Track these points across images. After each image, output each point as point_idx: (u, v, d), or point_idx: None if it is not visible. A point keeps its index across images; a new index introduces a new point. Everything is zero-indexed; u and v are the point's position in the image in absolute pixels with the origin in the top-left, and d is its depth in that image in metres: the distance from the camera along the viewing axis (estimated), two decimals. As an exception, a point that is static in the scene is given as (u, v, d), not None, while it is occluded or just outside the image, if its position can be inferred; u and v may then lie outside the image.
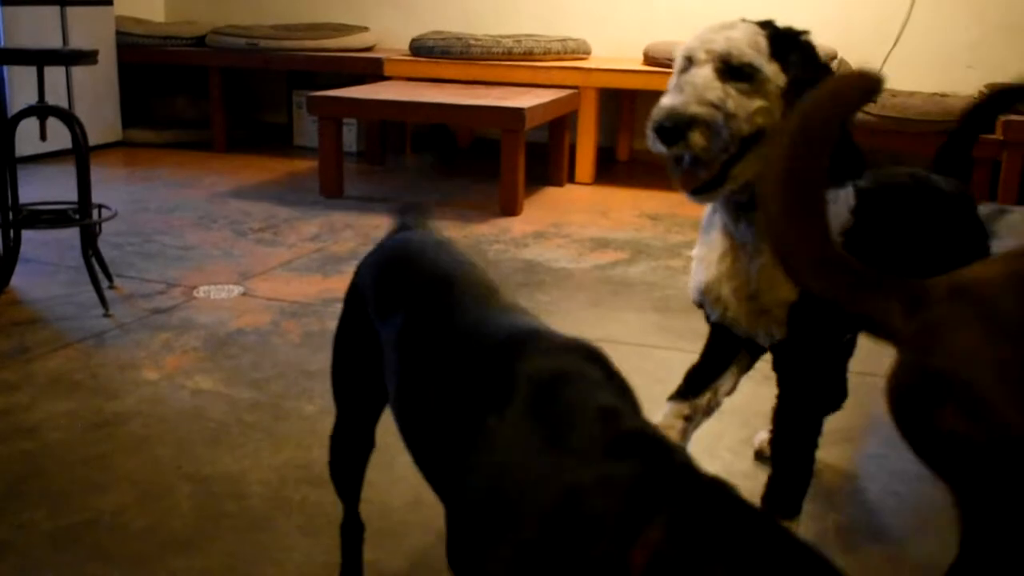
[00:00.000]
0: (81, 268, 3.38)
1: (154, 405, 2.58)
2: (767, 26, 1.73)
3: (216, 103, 6.31)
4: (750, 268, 1.79)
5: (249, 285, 3.59)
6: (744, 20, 1.75)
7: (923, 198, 1.99)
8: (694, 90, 1.66)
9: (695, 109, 1.65)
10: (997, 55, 5.66)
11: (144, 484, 2.18)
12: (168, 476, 2.22)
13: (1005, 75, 5.50)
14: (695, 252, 1.94)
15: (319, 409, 2.57)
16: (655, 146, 1.69)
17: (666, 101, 1.69)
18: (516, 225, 4.56)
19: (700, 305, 1.94)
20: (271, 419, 2.51)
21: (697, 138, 1.65)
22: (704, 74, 1.67)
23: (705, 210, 1.92)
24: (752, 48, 1.69)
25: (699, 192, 1.72)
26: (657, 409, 2.63)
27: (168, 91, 6.75)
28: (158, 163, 5.86)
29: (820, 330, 1.82)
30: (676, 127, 1.64)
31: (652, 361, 2.96)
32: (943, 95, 5.34)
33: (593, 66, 5.59)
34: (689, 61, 1.72)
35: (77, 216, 3.37)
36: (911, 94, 5.36)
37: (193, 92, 6.66)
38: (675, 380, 2.82)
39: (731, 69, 1.67)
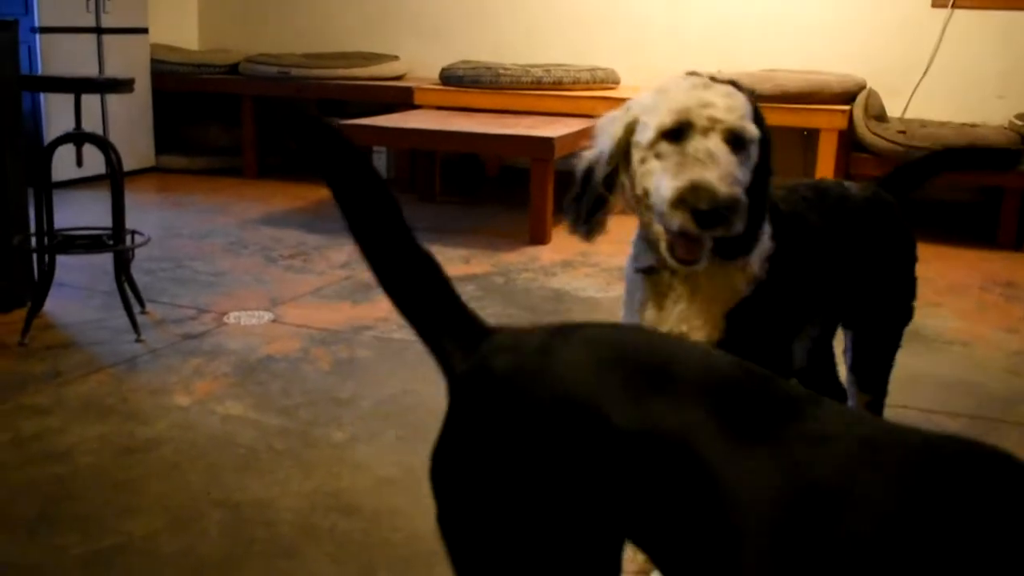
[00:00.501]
0: (114, 293, 3.42)
1: (185, 430, 2.60)
2: (748, 92, 1.70)
3: (248, 130, 6.38)
4: (673, 312, 1.77)
5: (279, 312, 3.61)
6: (717, 80, 1.69)
7: (833, 206, 1.98)
8: (719, 168, 1.58)
9: (734, 191, 1.57)
10: (1028, 86, 5.64)
11: (174, 509, 2.20)
12: (198, 501, 2.23)
13: (1036, 106, 5.48)
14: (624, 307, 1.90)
15: (349, 437, 2.58)
16: (684, 226, 1.58)
17: (696, 177, 1.58)
18: (544, 254, 4.58)
19: None
20: (301, 446, 2.53)
21: (738, 223, 1.58)
22: (721, 148, 1.61)
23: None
24: (749, 119, 1.66)
25: (696, 263, 1.67)
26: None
27: (201, 118, 6.83)
28: (190, 189, 5.93)
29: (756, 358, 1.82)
30: (716, 211, 1.56)
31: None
32: (973, 125, 5.33)
33: (622, 95, 5.61)
34: (688, 125, 1.63)
35: (111, 242, 3.41)
36: (941, 124, 5.35)
37: (226, 119, 6.73)
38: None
39: (736, 140, 1.63)
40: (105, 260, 3.77)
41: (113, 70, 5.95)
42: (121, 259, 3.41)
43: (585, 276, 4.19)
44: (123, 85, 3.44)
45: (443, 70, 5.95)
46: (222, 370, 3.03)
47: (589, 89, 5.76)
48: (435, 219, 5.29)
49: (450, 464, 1.14)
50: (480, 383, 1.14)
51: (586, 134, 5.60)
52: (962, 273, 4.42)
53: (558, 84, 5.69)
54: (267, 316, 3.56)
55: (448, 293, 1.24)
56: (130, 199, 5.24)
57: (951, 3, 5.70)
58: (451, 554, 1.16)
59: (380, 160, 6.26)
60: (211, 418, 2.68)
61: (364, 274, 4.08)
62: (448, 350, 1.21)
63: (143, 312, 3.51)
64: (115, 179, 3.35)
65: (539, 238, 4.77)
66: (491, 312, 3.64)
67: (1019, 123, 5.23)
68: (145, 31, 6.26)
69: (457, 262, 4.35)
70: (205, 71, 6.52)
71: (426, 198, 5.79)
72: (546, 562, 1.08)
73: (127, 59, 6.08)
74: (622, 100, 6.02)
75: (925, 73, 5.78)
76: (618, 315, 2.07)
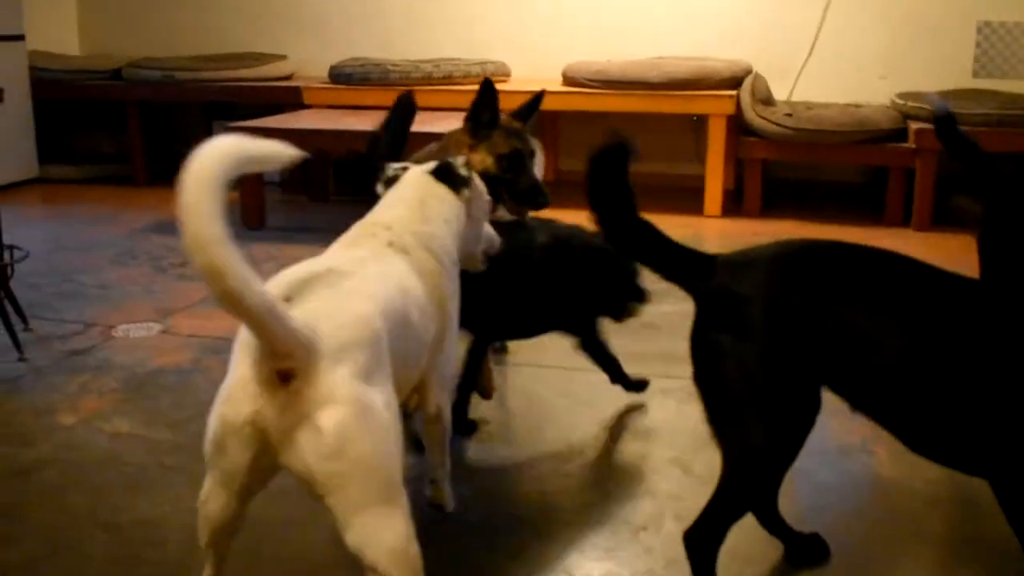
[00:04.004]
0: (-6, 312, 3.29)
1: (70, 451, 2.52)
2: None
3: (135, 136, 6.23)
4: None
5: (170, 322, 3.53)
6: None
7: None
8: None
9: None
10: (908, 64, 5.78)
11: (57, 534, 2.12)
12: (83, 525, 2.16)
13: (916, 84, 5.63)
14: None
15: (240, 448, 2.52)
16: None
17: None
18: (441, 250, 4.54)
19: None
20: (192, 461, 2.45)
21: None
22: None
23: None
24: None
25: None
26: (585, 432, 2.63)
27: (86, 126, 6.64)
28: (77, 199, 5.76)
29: None
30: None
31: (577, 384, 2.96)
32: (857, 106, 5.45)
33: (513, 88, 5.60)
34: None
35: (-13, 259, 3.29)
36: (826, 106, 5.45)
37: (111, 126, 6.55)
38: (601, 403, 2.83)
39: None
40: (-16, 278, 3.64)
41: (-11, 79, 5.75)
42: (-1, 276, 3.30)
43: (482, 271, 4.17)
44: (-8, 96, 3.31)
45: (332, 68, 5.88)
46: (110, 386, 2.94)
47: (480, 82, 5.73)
48: (329, 220, 5.22)
49: (707, 339, 1.71)
50: (722, 294, 1.70)
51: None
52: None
53: (448, 79, 5.66)
54: (157, 327, 3.47)
55: (673, 244, 1.76)
56: (12, 212, 5.07)
57: (831, -14, 5.82)
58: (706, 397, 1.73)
59: (272, 162, 6.14)
60: (98, 437, 2.60)
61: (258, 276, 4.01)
62: (690, 279, 1.74)
63: (26, 329, 3.39)
64: (-12, 194, 3.23)
65: (435, 235, 4.72)
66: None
67: (900, 102, 5.36)
68: (22, 38, 6.06)
69: (353, 263, 4.29)
70: (87, 77, 6.33)
71: (318, 198, 5.72)
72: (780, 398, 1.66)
73: (4, 68, 5.86)
74: (514, 93, 5.99)
75: (809, 56, 5.89)
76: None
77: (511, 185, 2.68)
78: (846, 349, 1.65)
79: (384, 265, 1.80)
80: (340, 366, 1.43)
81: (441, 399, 1.99)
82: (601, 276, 2.62)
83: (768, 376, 1.65)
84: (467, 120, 2.73)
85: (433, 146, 2.85)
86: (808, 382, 1.68)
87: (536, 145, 2.84)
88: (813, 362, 1.66)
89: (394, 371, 1.58)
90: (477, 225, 2.11)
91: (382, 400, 1.48)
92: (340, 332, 1.48)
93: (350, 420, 1.41)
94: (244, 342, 1.50)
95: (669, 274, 1.76)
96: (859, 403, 1.72)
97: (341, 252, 1.87)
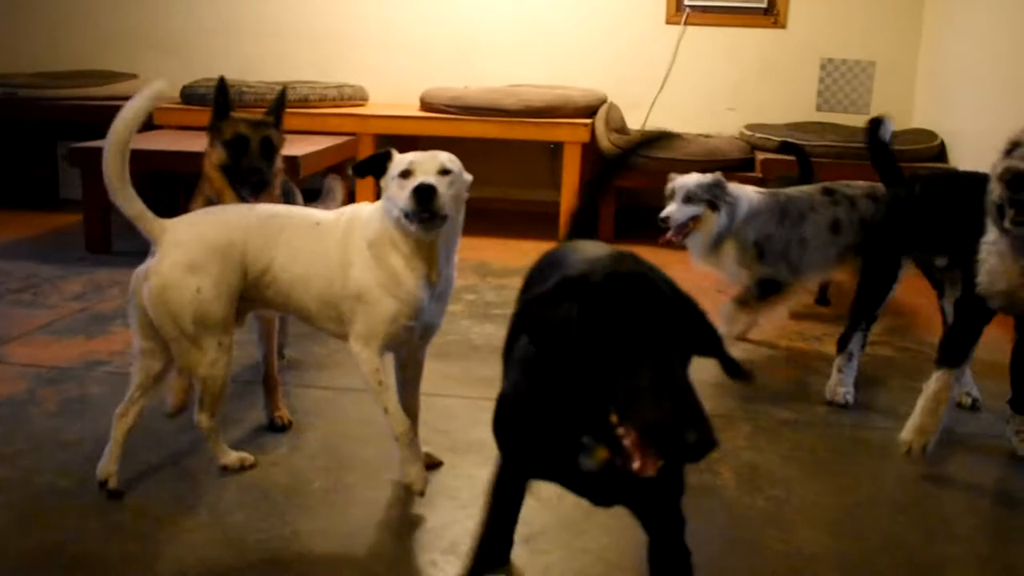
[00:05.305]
0: None
1: None
2: None
3: (-29, 156, 5.95)
4: None
5: (3, 351, 3.36)
6: None
7: None
8: None
9: None
10: (756, 98, 5.97)
11: None
12: (-102, 569, 2.03)
13: (763, 116, 5.81)
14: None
15: (75, 483, 2.41)
16: None
17: None
18: (295, 275, 4.46)
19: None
20: (20, 498, 2.34)
21: None
22: None
23: None
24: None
25: None
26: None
27: (-81, 144, 6.32)
28: (-93, 221, 5.47)
29: None
30: None
31: (434, 411, 2.92)
32: (707, 136, 5.59)
33: (370, 112, 5.57)
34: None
35: None
36: (677, 135, 5.57)
37: (-53, 144, 6.26)
38: (458, 429, 2.81)
39: None
40: None
41: None
42: None
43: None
44: None
45: (184, 88, 5.74)
46: (-66, 419, 2.79)
47: (336, 106, 5.68)
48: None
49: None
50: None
51: (333, 152, 5.45)
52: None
53: (304, 102, 5.59)
54: (-11, 356, 3.31)
55: None
56: None
57: (683, 20, 5.97)
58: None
59: (120, 184, 5.95)
60: (-81, 474, 2.45)
61: (100, 305, 3.87)
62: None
63: None
64: None
65: (289, 260, 4.64)
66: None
67: (748, 133, 5.52)
68: None
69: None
70: (-80, 93, 6.03)
71: (171, 222, 5.55)
72: None
73: None
74: (370, 117, 5.91)
75: (662, 87, 6.02)
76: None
77: (233, 170, 2.72)
78: None
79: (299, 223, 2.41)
80: (168, 256, 2.24)
81: (356, 345, 2.32)
82: None
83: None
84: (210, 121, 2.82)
85: None
86: None
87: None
88: None
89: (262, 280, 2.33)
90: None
91: (195, 284, 2.24)
92: (177, 236, 2.27)
93: (160, 287, 2.23)
94: None
95: None
96: None
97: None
